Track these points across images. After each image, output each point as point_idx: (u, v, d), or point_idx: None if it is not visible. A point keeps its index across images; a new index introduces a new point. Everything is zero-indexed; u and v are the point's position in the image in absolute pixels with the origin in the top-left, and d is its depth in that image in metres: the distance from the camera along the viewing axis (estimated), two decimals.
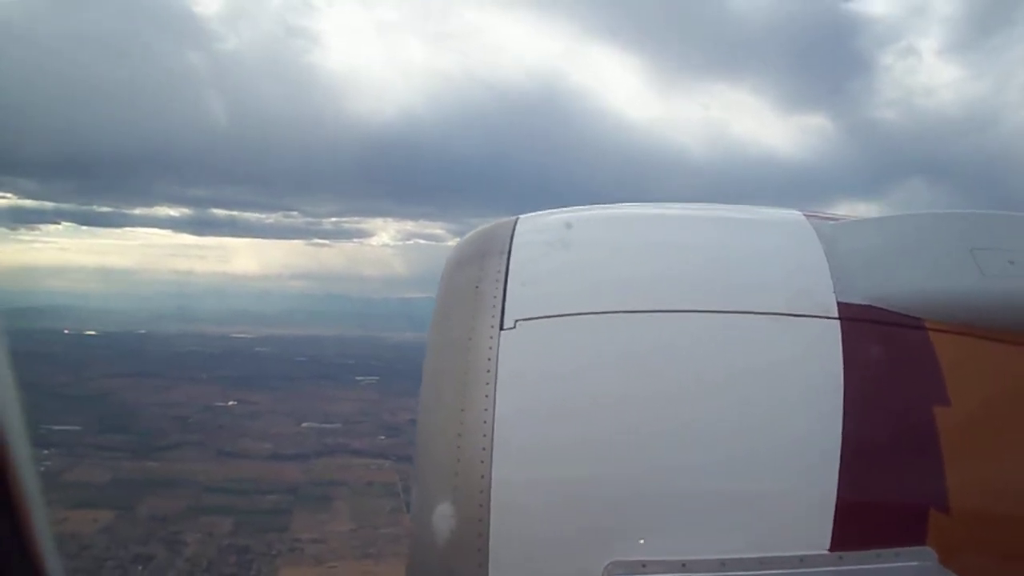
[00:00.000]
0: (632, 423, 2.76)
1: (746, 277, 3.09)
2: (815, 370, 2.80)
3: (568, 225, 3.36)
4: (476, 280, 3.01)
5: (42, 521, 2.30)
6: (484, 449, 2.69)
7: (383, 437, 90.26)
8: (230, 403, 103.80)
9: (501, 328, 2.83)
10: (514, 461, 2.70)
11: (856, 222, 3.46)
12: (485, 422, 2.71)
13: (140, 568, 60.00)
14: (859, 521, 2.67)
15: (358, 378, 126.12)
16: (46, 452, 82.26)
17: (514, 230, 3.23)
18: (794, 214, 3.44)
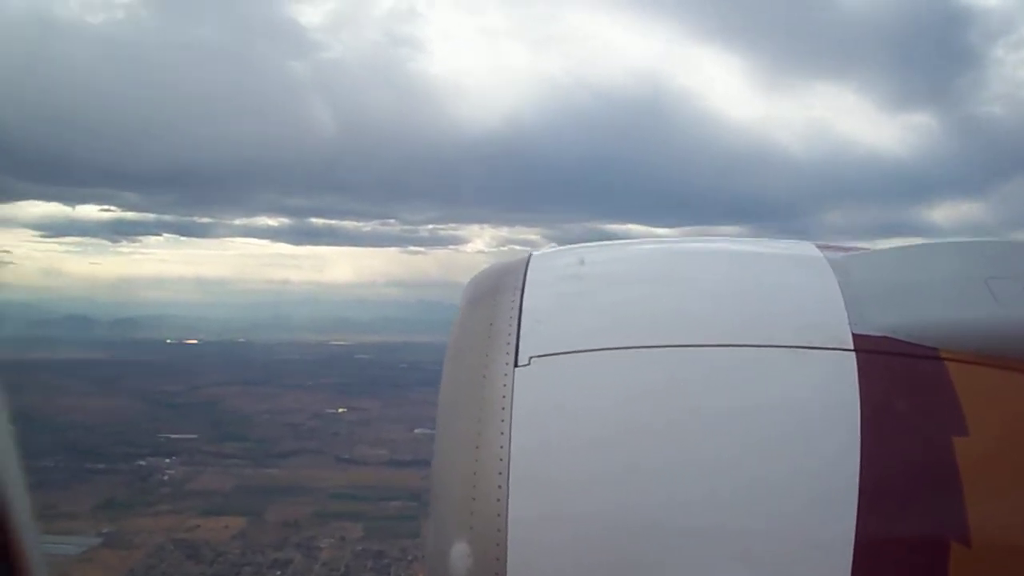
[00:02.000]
0: (648, 459, 2.74)
1: (760, 310, 3.03)
2: (831, 403, 2.73)
3: (581, 261, 3.32)
4: (490, 317, 2.97)
5: (33, 538, 2.34)
6: (500, 487, 2.67)
7: None
8: (340, 410, 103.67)
9: (516, 365, 2.80)
10: (530, 498, 2.68)
11: (869, 253, 3.42)
12: (501, 459, 2.69)
13: (278, 573, 59.80)
14: (878, 556, 2.65)
15: None
16: (167, 461, 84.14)
17: (527, 267, 3.19)
18: (807, 246, 3.41)
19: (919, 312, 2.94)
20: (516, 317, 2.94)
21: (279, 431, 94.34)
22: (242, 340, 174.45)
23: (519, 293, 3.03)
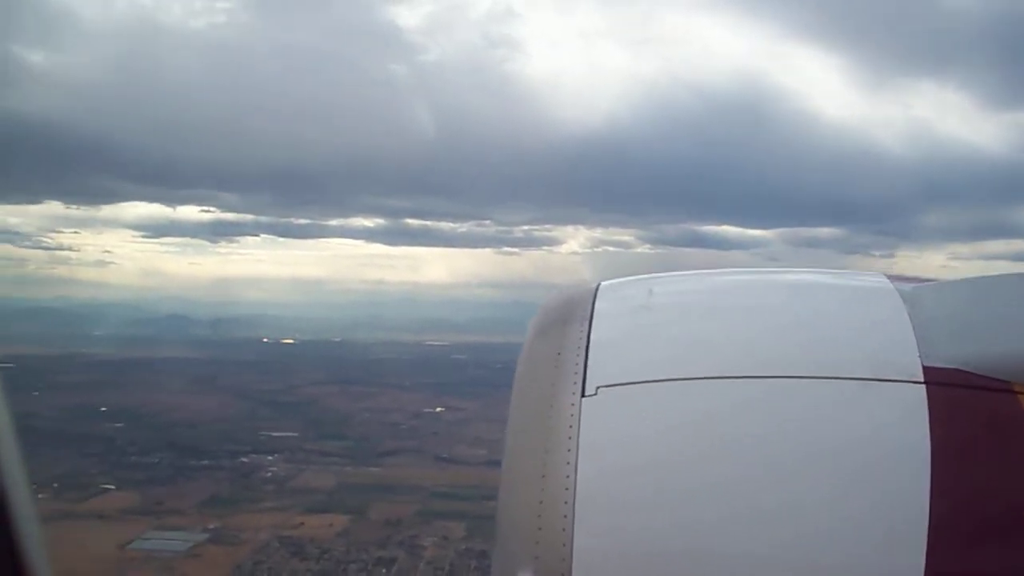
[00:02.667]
0: (714, 491, 2.72)
1: (828, 342, 3.01)
2: (901, 436, 2.68)
3: (650, 291, 3.32)
4: (558, 347, 2.98)
5: (34, 533, 2.39)
6: (566, 517, 2.68)
7: None
8: (438, 409, 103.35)
9: (583, 395, 2.80)
10: (596, 529, 2.69)
11: (940, 284, 3.36)
12: (567, 489, 2.70)
13: (384, 571, 59.29)
14: None
15: None
16: (270, 458, 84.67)
17: (595, 296, 3.18)
18: (877, 276, 3.38)
19: (991, 345, 2.85)
20: (584, 347, 2.92)
21: (379, 430, 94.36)
22: (338, 340, 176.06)
23: (587, 323, 3.00)
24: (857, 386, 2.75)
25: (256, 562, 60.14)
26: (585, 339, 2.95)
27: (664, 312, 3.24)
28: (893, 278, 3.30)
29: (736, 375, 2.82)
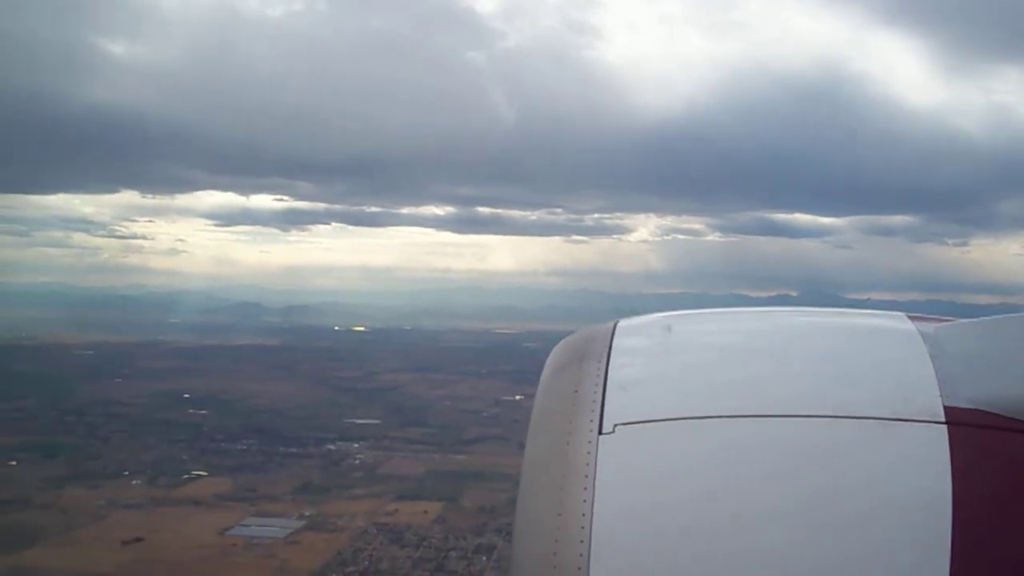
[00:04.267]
0: (732, 531, 2.67)
1: (848, 381, 2.94)
2: (922, 477, 2.63)
3: (668, 328, 3.23)
4: (575, 384, 2.90)
5: None
6: (581, 555, 2.62)
7: None
8: (517, 397, 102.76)
9: (600, 432, 2.73)
10: (612, 568, 2.63)
11: (961, 324, 3.26)
12: (583, 527, 2.63)
13: (484, 559, 58.53)
14: None
15: None
16: (356, 445, 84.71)
17: (613, 333, 3.09)
18: (898, 316, 3.32)
19: (1013, 385, 2.80)
20: (601, 384, 2.85)
21: (461, 417, 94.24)
22: (408, 328, 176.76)
23: (605, 360, 2.93)
24: (878, 426, 2.73)
25: (356, 549, 59.80)
26: (603, 377, 2.85)
27: (682, 350, 3.12)
28: (914, 318, 3.23)
29: (755, 414, 2.77)
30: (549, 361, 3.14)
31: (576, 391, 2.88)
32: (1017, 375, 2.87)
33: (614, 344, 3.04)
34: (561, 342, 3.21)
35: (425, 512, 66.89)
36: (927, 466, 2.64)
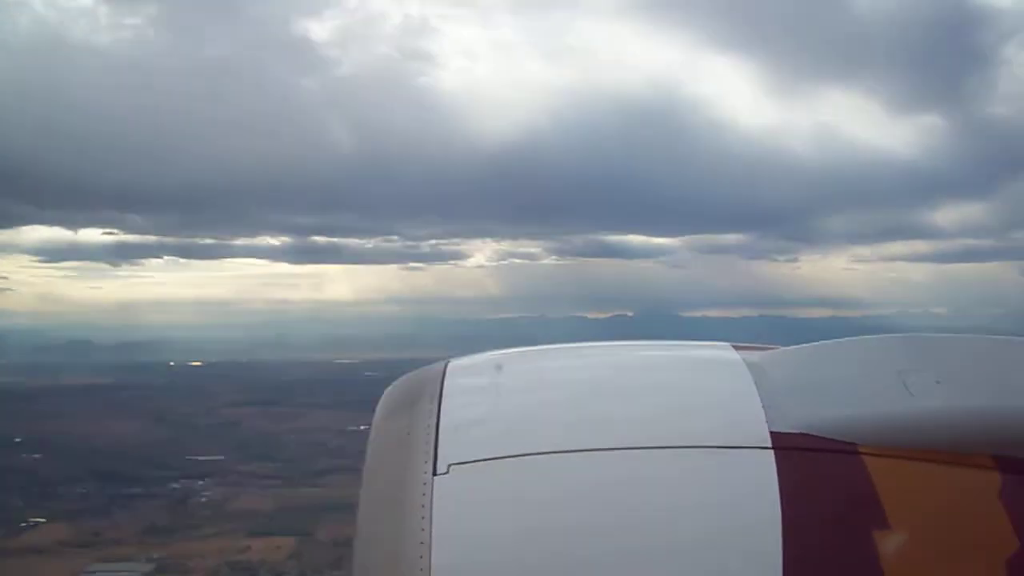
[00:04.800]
0: (570, 566, 2.68)
1: (677, 412, 3.07)
2: (751, 501, 2.74)
3: (498, 367, 3.28)
4: (408, 426, 2.92)
5: None
6: None
7: None
8: (363, 427, 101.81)
9: (435, 473, 2.73)
10: None
11: (784, 351, 3.46)
12: (421, 569, 2.61)
13: None
14: None
15: None
16: (201, 483, 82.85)
17: (444, 374, 3.14)
18: (722, 346, 3.50)
19: (835, 408, 2.93)
20: (434, 425, 2.87)
21: (308, 450, 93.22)
22: (246, 361, 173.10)
23: (437, 401, 2.96)
24: (707, 454, 2.84)
25: None
26: (435, 418, 2.92)
27: (513, 388, 3.22)
28: (738, 347, 3.43)
29: (586, 448, 2.85)
30: (381, 404, 3.19)
31: (409, 433, 2.91)
32: (838, 398, 3.03)
33: (445, 385, 3.07)
34: (392, 385, 3.27)
35: (279, 548, 66.04)
36: (756, 491, 2.75)
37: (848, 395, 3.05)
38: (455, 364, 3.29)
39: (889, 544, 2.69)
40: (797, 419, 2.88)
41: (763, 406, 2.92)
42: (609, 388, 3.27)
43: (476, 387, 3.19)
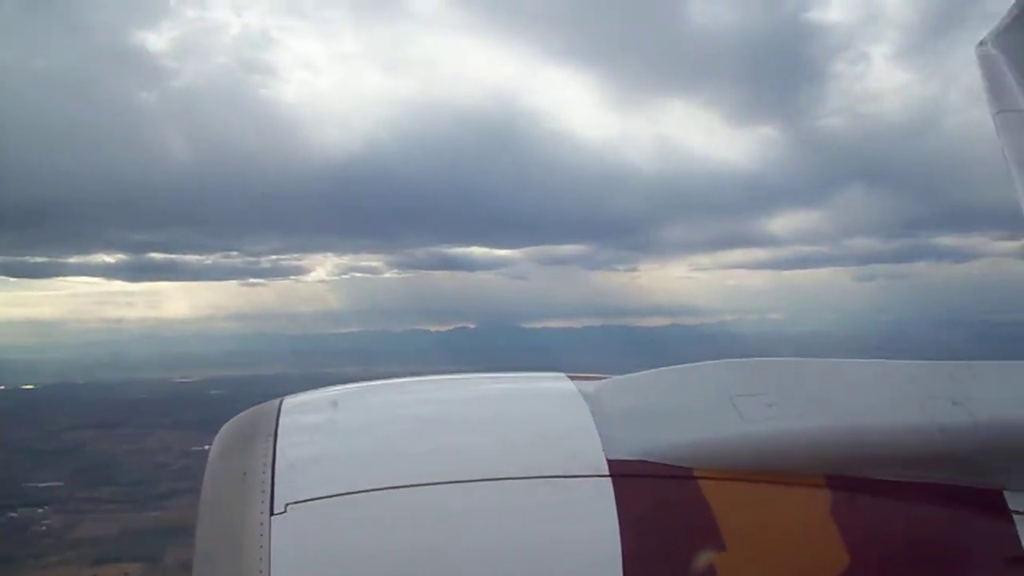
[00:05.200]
0: None
1: (515, 443, 3.12)
2: (591, 531, 2.82)
3: (334, 404, 3.36)
4: (243, 466, 2.94)
5: None
6: None
7: None
8: (206, 447, 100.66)
9: (272, 513, 2.75)
10: None
11: (620, 379, 3.53)
12: None
13: None
14: None
15: None
16: (40, 511, 79.89)
17: (279, 412, 3.19)
18: (557, 376, 3.55)
19: (670, 434, 3.05)
20: (270, 465, 2.89)
21: (152, 472, 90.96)
22: (82, 382, 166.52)
23: (272, 439, 3.00)
24: (546, 484, 2.85)
25: None
26: (271, 457, 2.91)
27: (351, 424, 3.23)
28: (574, 377, 3.48)
29: (425, 483, 2.82)
30: (215, 444, 3.15)
31: (245, 473, 2.87)
32: (673, 424, 3.12)
33: (280, 423, 3.07)
34: (226, 424, 3.23)
35: (126, 574, 64.49)
36: (595, 520, 2.79)
37: (683, 421, 3.14)
38: (290, 401, 3.30)
39: (727, 565, 2.80)
40: (634, 446, 2.96)
41: (600, 435, 2.99)
42: (446, 422, 3.28)
43: (312, 424, 3.18)
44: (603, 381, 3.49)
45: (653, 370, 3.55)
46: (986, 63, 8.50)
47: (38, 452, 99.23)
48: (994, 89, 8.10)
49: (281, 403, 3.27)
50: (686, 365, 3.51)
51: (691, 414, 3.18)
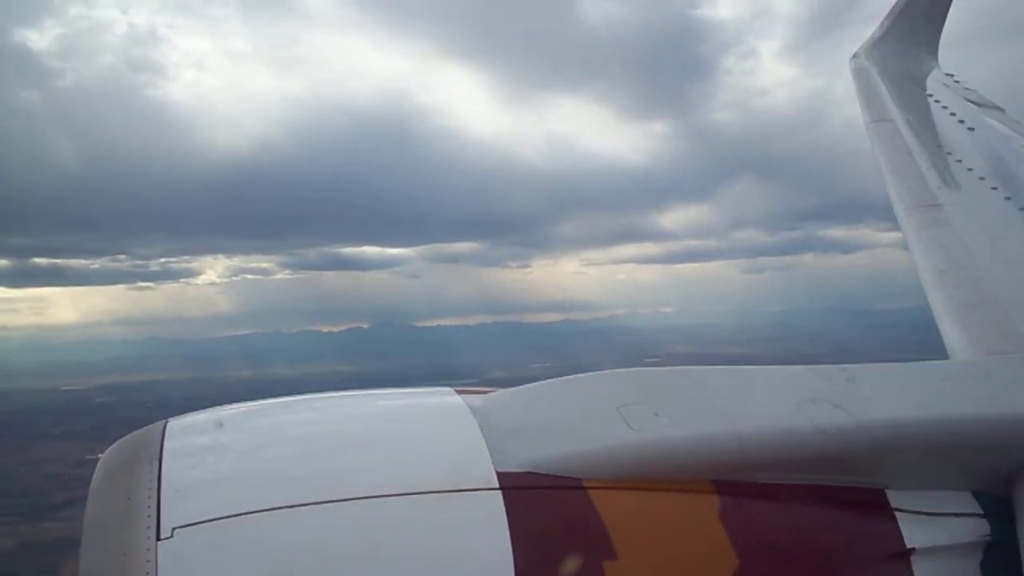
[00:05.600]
0: None
1: (403, 459, 3.10)
2: (482, 544, 2.83)
3: (219, 424, 3.26)
4: (127, 491, 2.85)
5: None
6: None
7: None
8: (100, 456, 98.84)
9: (158, 538, 2.68)
10: None
11: (507, 392, 3.53)
12: None
13: None
14: None
15: None
16: None
17: (164, 435, 3.12)
18: (445, 391, 3.53)
19: (559, 445, 3.05)
20: (155, 489, 2.82)
21: (43, 483, 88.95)
22: None
23: (156, 463, 2.92)
24: (436, 499, 2.83)
25: None
26: (156, 480, 2.84)
27: (236, 445, 3.16)
28: (461, 391, 3.46)
29: (315, 501, 2.80)
30: (98, 469, 3.04)
31: (129, 498, 2.79)
32: (561, 435, 3.12)
33: (165, 446, 2.99)
34: (108, 449, 3.12)
35: None
36: (486, 532, 2.81)
37: (571, 432, 3.14)
38: (174, 424, 3.21)
39: (619, 573, 2.83)
40: (523, 459, 2.98)
41: (488, 448, 3.00)
42: (334, 441, 3.24)
43: (197, 447, 3.10)
44: (491, 394, 3.50)
45: (540, 382, 3.55)
46: (859, 75, 8.98)
47: None
48: (867, 100, 8.48)
49: (166, 426, 3.19)
50: (572, 376, 3.54)
51: (578, 424, 3.20)
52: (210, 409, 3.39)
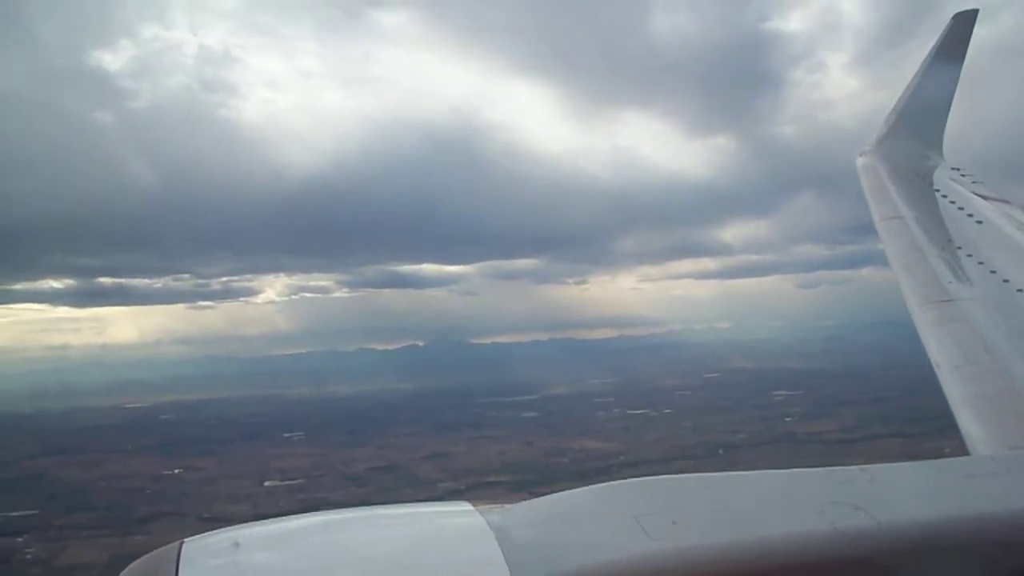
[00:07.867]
0: None
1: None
2: None
3: (236, 545, 3.17)
4: None
5: None
6: None
7: (354, 488, 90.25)
8: (176, 471, 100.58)
9: None
10: None
11: (523, 505, 3.47)
12: None
13: None
14: None
15: (286, 435, 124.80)
16: (20, 540, 78.63)
17: (179, 555, 3.05)
18: (463, 506, 3.46)
19: (578, 558, 3.01)
20: None
21: (126, 496, 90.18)
22: (31, 411, 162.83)
23: None
24: None
25: None
26: None
27: (252, 567, 3.09)
28: (478, 505, 3.42)
29: None
30: None
31: None
32: (579, 548, 3.08)
33: (181, 568, 2.95)
34: (125, 570, 3.08)
35: None
36: None
37: (589, 543, 3.08)
38: (190, 544, 3.16)
39: None
40: (542, 571, 2.93)
41: (507, 563, 2.95)
42: (352, 561, 3.18)
43: (212, 568, 3.04)
44: (508, 508, 3.41)
45: (558, 494, 3.51)
46: (867, 173, 9.02)
47: (3, 481, 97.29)
48: (875, 198, 8.52)
49: (181, 546, 3.10)
50: (589, 487, 3.49)
51: (597, 535, 3.13)
52: (225, 529, 3.28)
